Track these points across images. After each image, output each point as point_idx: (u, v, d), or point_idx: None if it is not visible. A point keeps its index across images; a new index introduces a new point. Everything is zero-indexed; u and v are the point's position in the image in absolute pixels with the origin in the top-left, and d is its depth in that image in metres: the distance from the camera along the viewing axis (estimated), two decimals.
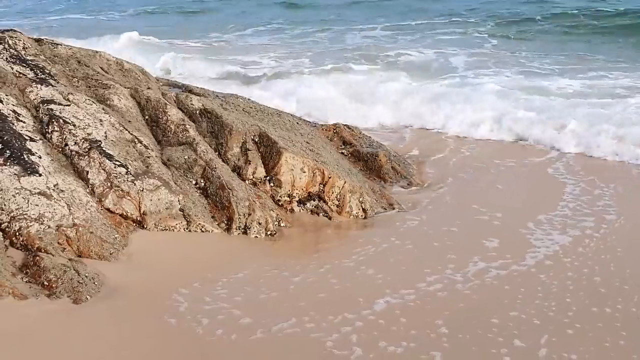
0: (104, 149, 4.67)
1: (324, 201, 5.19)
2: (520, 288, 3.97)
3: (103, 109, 5.05)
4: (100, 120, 4.90)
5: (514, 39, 13.19)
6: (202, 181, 4.90)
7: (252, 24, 16.28)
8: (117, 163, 4.62)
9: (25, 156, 4.35)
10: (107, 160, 4.60)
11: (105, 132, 4.82)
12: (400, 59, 11.67)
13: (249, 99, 6.23)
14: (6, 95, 4.84)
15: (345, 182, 5.22)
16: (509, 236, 4.72)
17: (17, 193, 4.10)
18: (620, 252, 4.47)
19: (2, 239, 3.95)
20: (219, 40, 14.52)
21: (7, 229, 4.00)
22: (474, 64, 11.05)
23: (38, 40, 5.76)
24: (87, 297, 3.66)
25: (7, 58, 5.23)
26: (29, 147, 4.46)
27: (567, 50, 11.87)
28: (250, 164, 5.16)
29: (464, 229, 4.89)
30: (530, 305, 3.78)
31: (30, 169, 4.28)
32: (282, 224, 4.89)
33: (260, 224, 4.70)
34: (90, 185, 4.48)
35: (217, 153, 5.22)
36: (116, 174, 4.55)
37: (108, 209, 4.43)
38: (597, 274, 4.15)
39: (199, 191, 4.87)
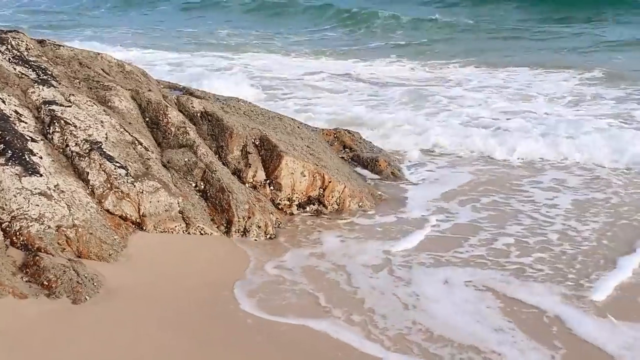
0: (104, 150, 4.69)
1: (324, 205, 5.21)
2: None
3: (104, 110, 5.06)
4: (101, 122, 4.92)
5: None
6: (202, 184, 4.91)
7: None
8: (117, 164, 4.63)
9: (26, 156, 4.37)
10: (107, 162, 4.61)
11: (106, 134, 4.84)
12: None
13: (250, 103, 6.25)
14: (8, 95, 4.86)
15: (345, 187, 5.24)
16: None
17: (18, 193, 4.12)
18: None
19: (2, 238, 3.96)
20: None
21: (7, 229, 4.00)
22: None
23: (41, 42, 5.78)
24: (86, 297, 3.67)
25: (9, 59, 5.25)
26: (31, 148, 4.47)
27: None
28: (250, 167, 5.17)
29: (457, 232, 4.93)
30: None
31: (32, 170, 4.29)
32: (281, 227, 4.91)
33: (259, 227, 4.71)
34: (90, 187, 4.49)
35: (217, 156, 5.24)
36: (116, 175, 4.57)
37: (108, 210, 4.44)
38: None
39: (198, 194, 4.88)
